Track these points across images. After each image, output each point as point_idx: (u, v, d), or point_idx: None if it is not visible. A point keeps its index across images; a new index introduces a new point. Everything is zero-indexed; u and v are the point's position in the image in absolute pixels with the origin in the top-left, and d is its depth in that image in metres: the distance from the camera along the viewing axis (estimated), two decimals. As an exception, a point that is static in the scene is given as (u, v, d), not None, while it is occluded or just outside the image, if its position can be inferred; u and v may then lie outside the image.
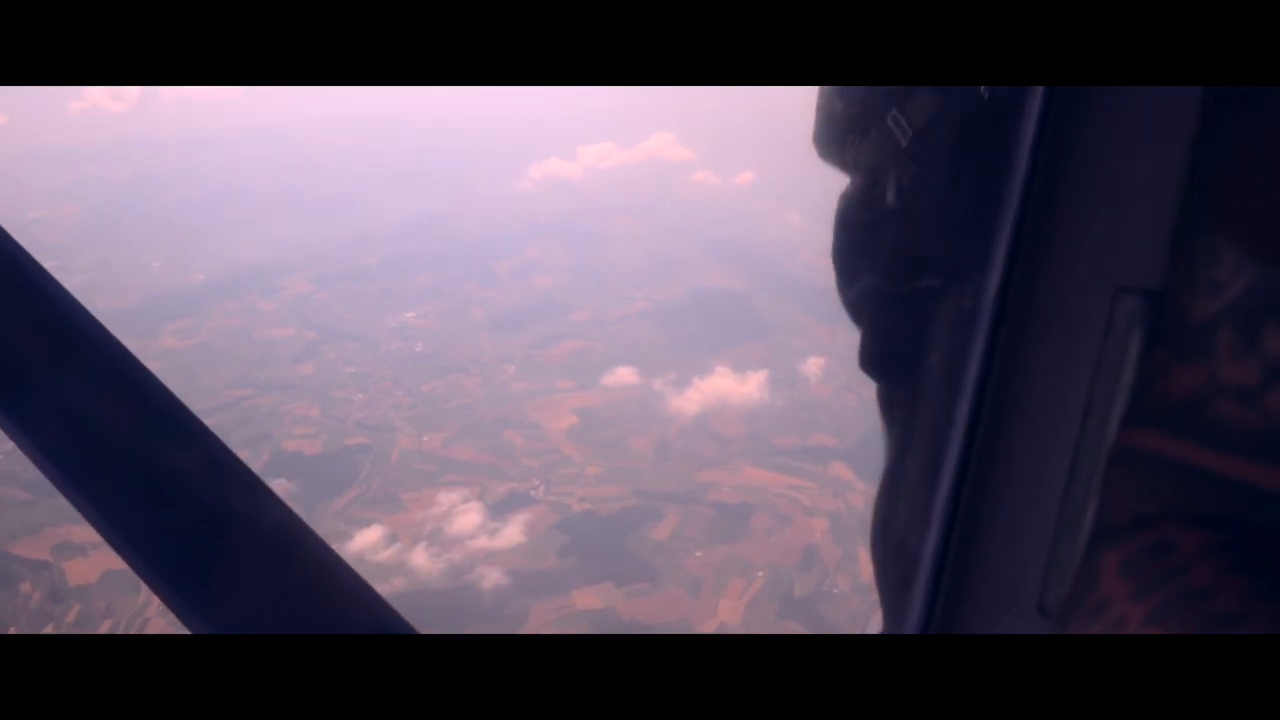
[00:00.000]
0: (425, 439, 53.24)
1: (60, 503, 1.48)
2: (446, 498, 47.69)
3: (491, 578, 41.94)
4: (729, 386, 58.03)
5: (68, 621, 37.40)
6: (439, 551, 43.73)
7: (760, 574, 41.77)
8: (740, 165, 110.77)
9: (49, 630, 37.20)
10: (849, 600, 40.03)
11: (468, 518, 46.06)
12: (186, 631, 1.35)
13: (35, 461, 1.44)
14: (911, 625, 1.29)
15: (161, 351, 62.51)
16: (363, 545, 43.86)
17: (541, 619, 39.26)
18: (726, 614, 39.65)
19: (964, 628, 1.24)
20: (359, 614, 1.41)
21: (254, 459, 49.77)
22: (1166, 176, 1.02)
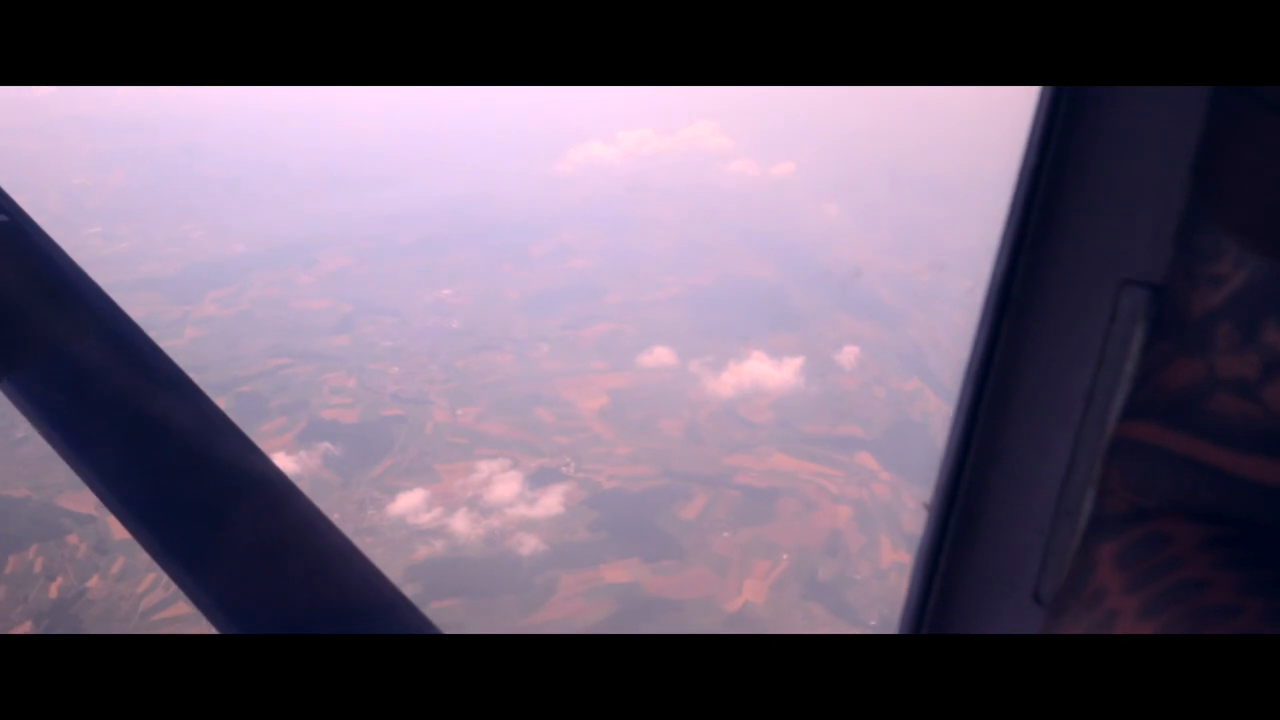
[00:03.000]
0: (459, 413, 54.07)
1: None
2: (486, 466, 48.63)
3: (528, 545, 42.79)
4: (765, 372, 58.51)
5: (112, 572, 38.60)
6: (478, 518, 44.68)
7: (785, 556, 42.18)
8: (780, 156, 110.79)
9: (94, 581, 38.54)
10: (870, 585, 40.46)
11: (507, 486, 46.99)
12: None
13: (43, 432, 1.49)
14: (909, 606, 1.32)
15: (204, 318, 63.85)
16: (405, 508, 45.05)
17: (570, 589, 40.02)
18: (751, 593, 40.14)
19: (960, 611, 1.27)
20: (346, 568, 1.41)
21: (291, 425, 50.95)
22: (1172, 172, 1.04)
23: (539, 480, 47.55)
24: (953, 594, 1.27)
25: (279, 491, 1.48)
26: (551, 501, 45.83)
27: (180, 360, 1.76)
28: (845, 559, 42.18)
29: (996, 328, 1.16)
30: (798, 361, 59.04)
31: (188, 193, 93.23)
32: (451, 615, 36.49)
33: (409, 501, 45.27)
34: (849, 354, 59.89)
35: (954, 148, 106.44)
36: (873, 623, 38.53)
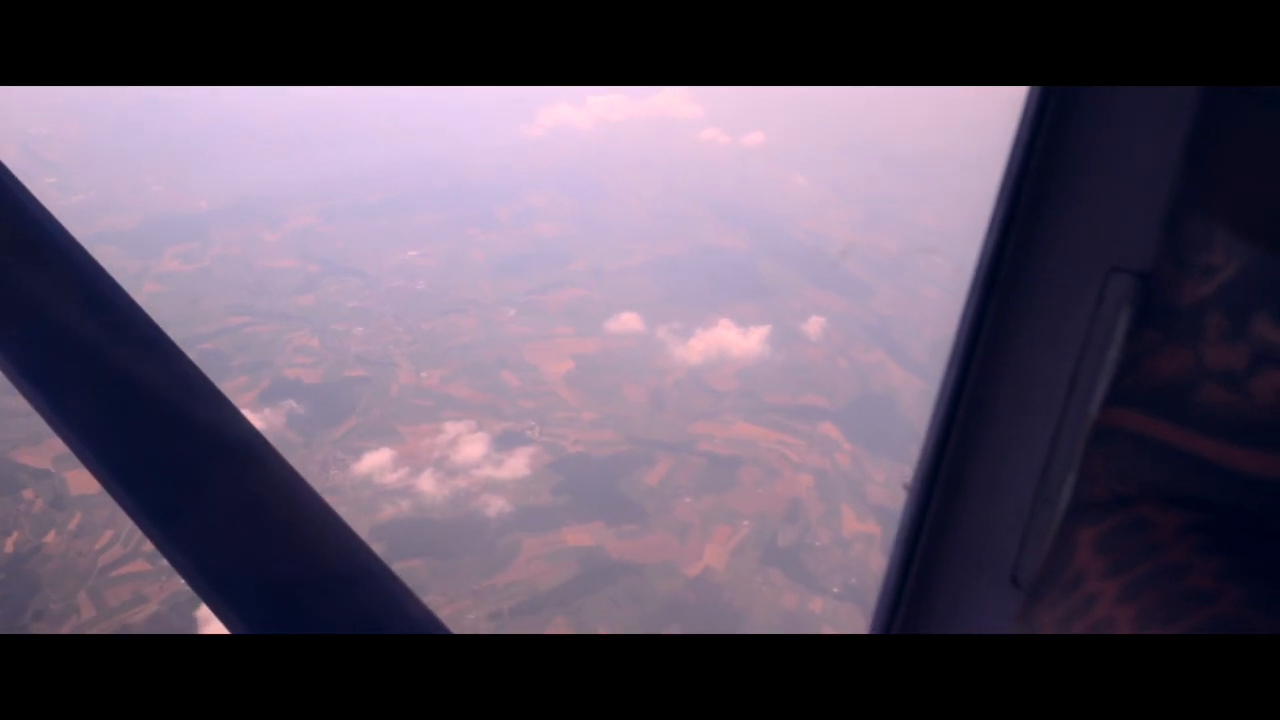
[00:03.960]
0: (424, 375, 53.90)
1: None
2: (453, 427, 48.70)
3: (494, 506, 43.09)
4: (732, 340, 58.84)
5: (70, 528, 38.22)
6: (444, 478, 44.86)
7: (746, 523, 42.74)
8: (750, 125, 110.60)
9: (51, 536, 38.19)
10: (830, 553, 41.12)
11: (473, 447, 47.17)
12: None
13: (17, 385, 1.48)
14: (888, 584, 1.32)
15: (164, 274, 62.90)
16: (371, 467, 45.13)
17: (533, 552, 40.30)
18: (712, 558, 40.65)
19: (939, 591, 1.28)
20: (311, 521, 1.43)
21: (254, 384, 50.57)
22: (1162, 161, 1.03)
23: (504, 443, 47.70)
24: (932, 573, 1.28)
25: (256, 450, 1.48)
26: (518, 463, 46.03)
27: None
28: (805, 526, 42.78)
29: (982, 310, 1.16)
30: (764, 330, 59.43)
31: (150, 146, 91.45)
32: (414, 576, 36.61)
33: (375, 461, 45.35)
34: (815, 325, 60.34)
35: (925, 125, 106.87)
36: (835, 590, 39.24)
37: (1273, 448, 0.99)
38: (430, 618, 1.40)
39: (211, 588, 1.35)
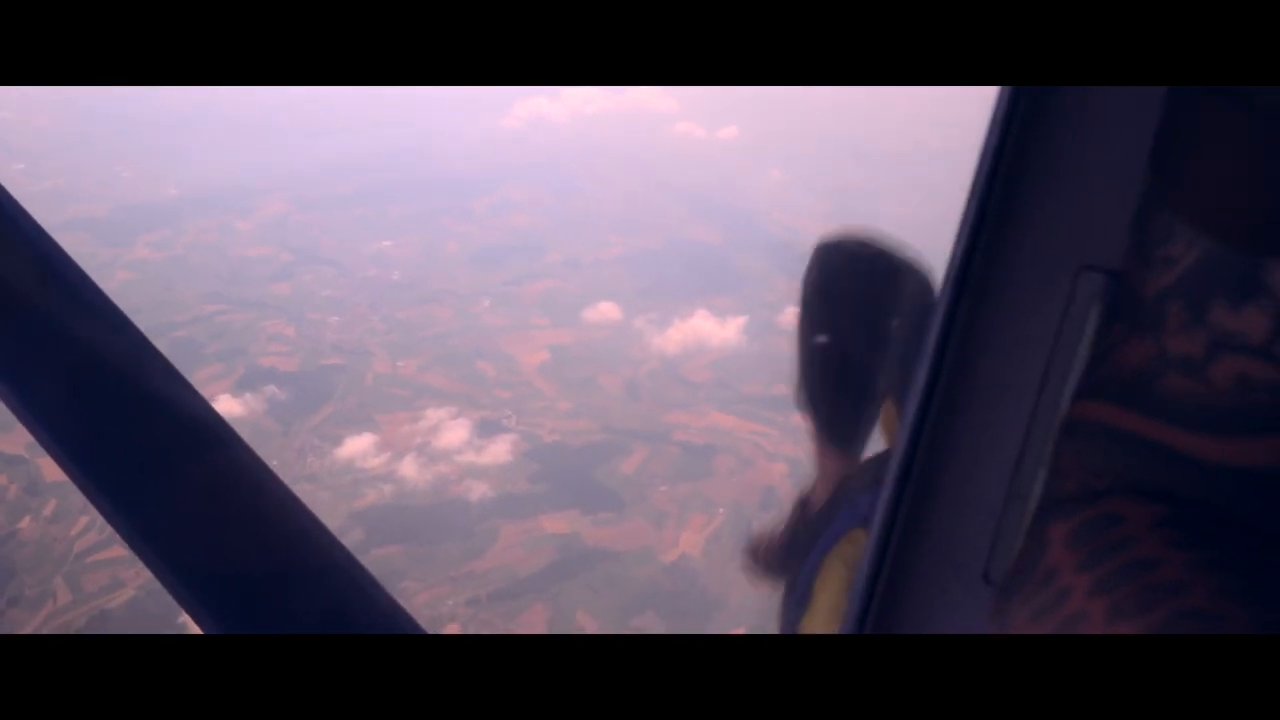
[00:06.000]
0: (400, 364, 53.87)
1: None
2: (435, 414, 48.84)
3: (476, 492, 43.29)
4: (709, 330, 59.19)
5: (45, 514, 38.02)
6: (426, 463, 45.05)
7: (721, 511, 43.08)
8: (725, 119, 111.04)
9: (26, 521, 37.96)
10: (804, 541, 41.55)
11: (455, 433, 47.37)
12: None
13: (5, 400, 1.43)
14: (859, 584, 1.31)
15: (135, 261, 62.26)
16: (353, 453, 45.25)
17: (511, 539, 40.51)
18: (688, 545, 41.00)
19: (909, 591, 1.28)
20: (277, 512, 1.40)
21: (229, 372, 50.31)
22: (1132, 160, 1.04)
23: (481, 433, 47.89)
24: (904, 573, 1.27)
25: (224, 440, 1.44)
26: (499, 450, 46.27)
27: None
28: (780, 514, 43.13)
29: (954, 308, 1.16)
30: (741, 321, 59.85)
31: (119, 134, 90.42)
32: (393, 562, 36.77)
33: (357, 446, 45.45)
34: (790, 316, 60.41)
35: (897, 121, 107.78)
36: (809, 577, 39.57)
37: (1232, 434, 1.00)
38: (393, 605, 1.37)
39: (178, 580, 1.32)
